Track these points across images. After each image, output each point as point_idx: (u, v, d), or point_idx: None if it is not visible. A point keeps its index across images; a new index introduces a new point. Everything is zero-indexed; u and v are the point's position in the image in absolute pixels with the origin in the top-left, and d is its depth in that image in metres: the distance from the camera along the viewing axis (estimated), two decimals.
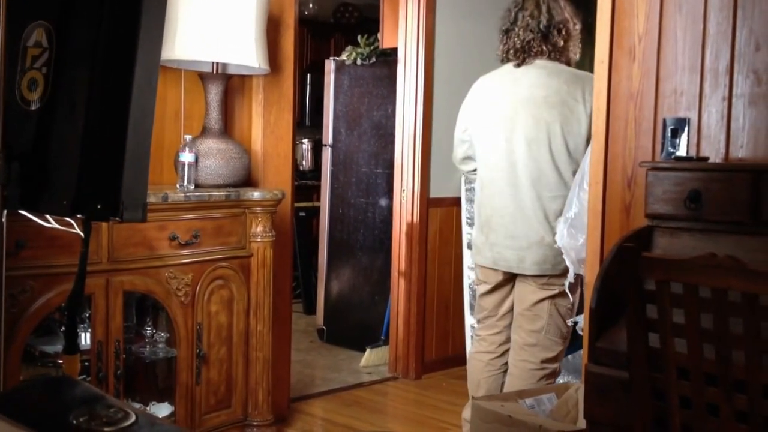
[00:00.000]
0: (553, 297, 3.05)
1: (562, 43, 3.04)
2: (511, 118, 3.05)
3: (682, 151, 2.38)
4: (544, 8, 3.03)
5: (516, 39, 3.06)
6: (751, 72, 2.27)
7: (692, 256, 1.65)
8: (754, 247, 1.98)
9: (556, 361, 3.11)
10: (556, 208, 2.98)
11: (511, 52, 3.09)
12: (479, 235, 3.22)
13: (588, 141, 2.91)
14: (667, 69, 2.43)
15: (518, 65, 3.08)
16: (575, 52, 3.12)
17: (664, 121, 2.44)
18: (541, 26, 3.01)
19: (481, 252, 3.19)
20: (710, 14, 2.34)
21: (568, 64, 3.10)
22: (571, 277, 2.90)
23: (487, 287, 3.23)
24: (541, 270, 3.03)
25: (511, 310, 3.21)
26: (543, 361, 3.07)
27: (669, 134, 2.41)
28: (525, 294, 3.10)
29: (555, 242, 2.92)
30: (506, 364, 3.23)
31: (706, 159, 2.30)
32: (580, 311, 3.05)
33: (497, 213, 3.11)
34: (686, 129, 2.38)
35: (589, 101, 2.90)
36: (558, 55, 3.05)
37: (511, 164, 3.05)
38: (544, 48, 3.03)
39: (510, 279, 3.16)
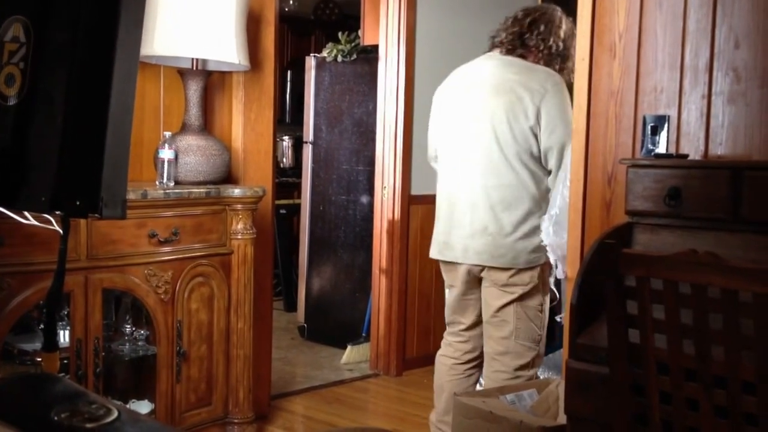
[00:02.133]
0: (518, 299, 2.97)
1: (533, 45, 3.04)
2: (463, 108, 3.05)
3: (661, 149, 2.39)
4: (534, 18, 3.05)
5: (496, 35, 3.11)
6: (730, 69, 2.28)
7: (672, 253, 1.66)
8: (733, 243, 2.00)
9: (531, 367, 3.02)
10: (500, 197, 2.93)
11: (489, 45, 3.16)
12: (435, 228, 3.19)
13: (534, 132, 2.89)
14: (647, 66, 2.44)
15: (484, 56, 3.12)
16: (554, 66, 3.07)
17: (644, 118, 2.45)
18: (522, 28, 3.04)
19: (433, 244, 3.17)
20: (690, 11, 2.35)
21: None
22: (560, 274, 2.88)
23: (448, 286, 3.19)
24: (481, 260, 2.96)
25: (477, 323, 3.14)
26: (516, 369, 2.98)
27: (649, 131, 2.42)
28: (489, 300, 3.03)
29: (499, 233, 2.91)
30: (472, 368, 3.18)
31: (685, 156, 2.32)
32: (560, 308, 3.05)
33: (451, 202, 3.08)
34: (666, 126, 2.40)
35: (538, 93, 2.88)
36: (520, 52, 3.05)
37: (461, 154, 3.04)
38: (515, 42, 3.04)
39: (469, 280, 3.08)
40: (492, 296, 3.02)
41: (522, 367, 2.99)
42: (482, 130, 2.96)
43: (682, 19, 2.37)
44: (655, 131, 2.41)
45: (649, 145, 2.42)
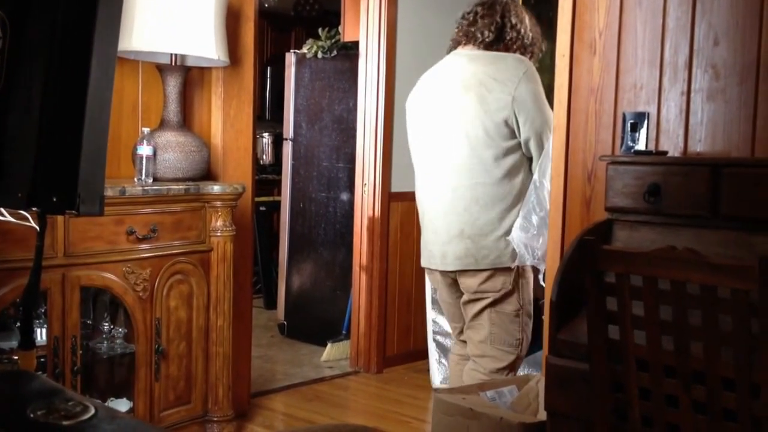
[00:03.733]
0: (491, 305, 2.93)
1: (503, 39, 2.97)
2: (432, 110, 2.99)
3: (641, 145, 2.40)
4: (499, 9, 2.97)
5: (459, 31, 3.03)
6: (709, 66, 2.29)
7: (652, 249, 1.67)
8: (712, 240, 2.01)
9: (510, 370, 2.97)
10: (475, 197, 2.86)
11: (452, 44, 3.07)
12: (422, 236, 3.14)
13: (508, 124, 2.81)
14: (627, 63, 2.45)
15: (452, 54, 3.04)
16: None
17: (624, 115, 2.46)
18: (491, 20, 2.95)
19: (422, 252, 3.12)
20: (669, 8, 2.36)
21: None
22: (517, 263, 2.86)
23: (436, 290, 3.17)
24: (463, 265, 2.89)
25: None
26: (493, 372, 2.94)
27: (628, 128, 2.43)
28: (465, 306, 3.01)
29: (479, 234, 2.86)
30: None
31: (664, 153, 2.33)
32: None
33: (427, 209, 3.03)
34: (645, 123, 2.41)
35: (510, 82, 2.80)
36: (497, 47, 2.97)
37: (434, 156, 2.97)
38: (483, 33, 2.95)
39: (450, 283, 3.06)
40: (469, 304, 2.99)
41: (499, 370, 2.95)
42: (453, 130, 2.89)
43: (662, 16, 2.38)
44: (635, 128, 2.42)
45: (629, 142, 2.43)
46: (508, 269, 2.89)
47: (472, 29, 2.98)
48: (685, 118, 2.34)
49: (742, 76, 2.24)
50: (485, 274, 2.89)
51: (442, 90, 2.97)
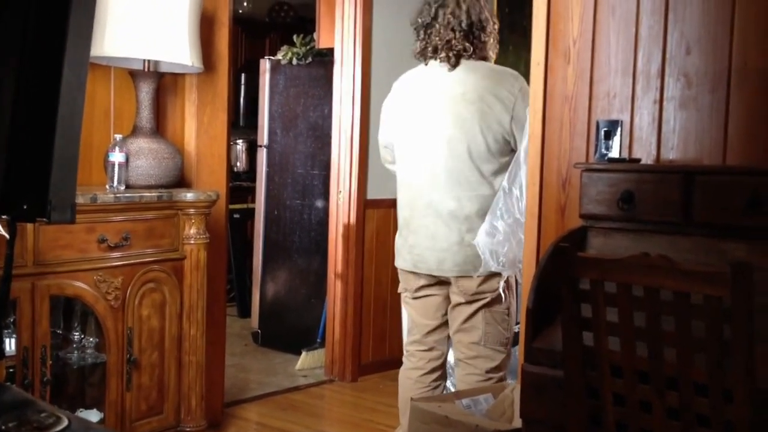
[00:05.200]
0: (485, 306, 2.97)
1: (484, 39, 2.97)
2: (429, 117, 2.97)
3: (615, 153, 2.42)
4: (464, 6, 2.94)
5: (436, 37, 2.95)
6: (681, 75, 2.32)
7: (625, 256, 1.67)
8: (685, 246, 2.03)
9: (501, 370, 3.03)
10: (476, 208, 2.90)
11: (430, 49, 2.98)
12: (399, 238, 3.13)
13: (506, 139, 2.88)
14: (600, 71, 2.47)
15: (452, 68, 2.96)
16: (494, 51, 3.04)
17: (598, 123, 2.47)
18: (463, 25, 2.91)
19: (401, 254, 3.10)
20: (642, 17, 2.38)
21: (486, 60, 3.02)
22: (481, 269, 2.87)
23: (408, 295, 3.14)
24: (462, 272, 2.93)
25: (441, 325, 3.10)
26: (488, 371, 2.99)
27: (602, 136, 2.45)
28: (459, 309, 3.01)
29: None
30: (437, 380, 3.13)
31: (638, 160, 2.35)
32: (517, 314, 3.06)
33: (418, 214, 3.01)
34: (619, 131, 2.43)
35: (509, 100, 2.86)
36: (478, 52, 2.97)
37: (430, 164, 2.96)
38: (467, 45, 2.92)
39: (432, 286, 3.06)
40: (460, 309, 3.00)
41: (492, 370, 3.00)
42: (454, 141, 2.90)
43: (635, 25, 2.40)
44: (609, 136, 2.44)
45: (603, 150, 2.45)
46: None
47: (457, 40, 2.93)
48: (657, 126, 2.36)
49: (714, 85, 2.27)
50: (483, 276, 2.94)
51: (439, 98, 2.96)
